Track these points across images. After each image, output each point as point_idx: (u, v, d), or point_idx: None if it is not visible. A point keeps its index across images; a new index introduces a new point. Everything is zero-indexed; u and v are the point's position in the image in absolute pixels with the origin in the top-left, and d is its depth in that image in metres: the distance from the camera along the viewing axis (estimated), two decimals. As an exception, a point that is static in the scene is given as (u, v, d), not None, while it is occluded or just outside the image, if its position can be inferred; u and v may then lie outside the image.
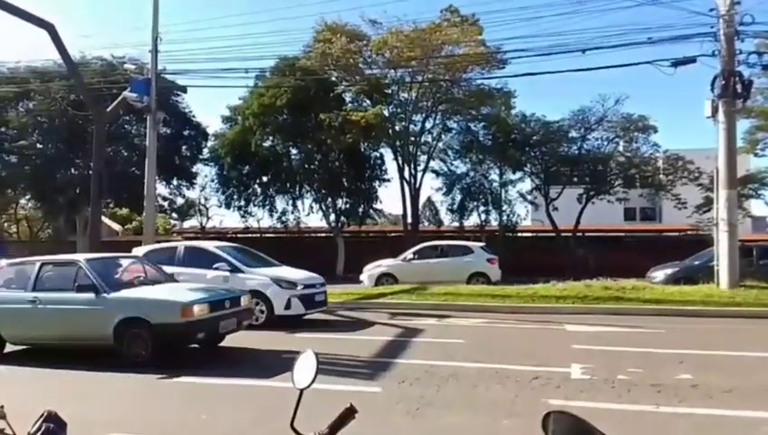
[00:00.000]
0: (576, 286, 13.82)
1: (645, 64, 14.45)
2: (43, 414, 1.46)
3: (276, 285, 10.95)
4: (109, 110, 18.11)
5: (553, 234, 26.59)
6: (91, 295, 7.73)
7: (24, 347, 8.78)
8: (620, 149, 26.13)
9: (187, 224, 39.98)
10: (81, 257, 8.58)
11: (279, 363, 7.20)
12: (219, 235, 33.12)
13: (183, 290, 8.48)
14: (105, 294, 7.73)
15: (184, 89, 20.84)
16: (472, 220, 29.05)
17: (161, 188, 30.49)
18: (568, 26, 51.12)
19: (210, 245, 12.70)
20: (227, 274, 11.01)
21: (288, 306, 10.85)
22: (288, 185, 29.31)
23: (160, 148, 18.16)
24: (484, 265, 17.78)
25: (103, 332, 7.55)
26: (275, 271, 11.83)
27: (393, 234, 33.05)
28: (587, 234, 27.37)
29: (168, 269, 9.87)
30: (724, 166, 13.99)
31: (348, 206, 29.45)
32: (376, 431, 4.75)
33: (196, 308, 7.58)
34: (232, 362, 7.99)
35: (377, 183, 29.67)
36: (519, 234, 29.92)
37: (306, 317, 11.36)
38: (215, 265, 11.17)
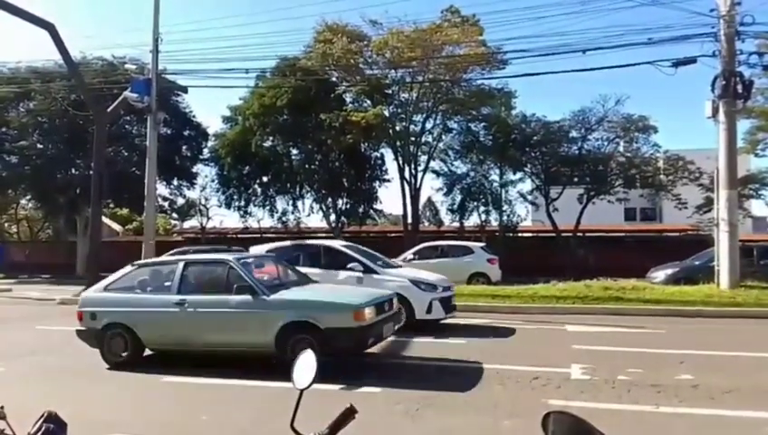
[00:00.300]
0: (576, 287, 13.81)
1: (645, 65, 14.47)
2: (43, 415, 1.46)
3: (416, 287, 10.12)
4: (109, 110, 18.16)
5: (554, 234, 26.59)
6: (247, 298, 7.06)
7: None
8: (621, 149, 26.14)
9: (188, 224, 39.99)
10: (230, 257, 7.90)
11: (280, 363, 7.20)
12: (219, 235, 33.16)
13: (345, 291, 7.97)
14: (264, 296, 7.06)
15: (184, 89, 20.89)
16: (472, 220, 29.06)
17: (162, 189, 30.58)
18: (568, 27, 51.21)
19: (337, 243, 12.01)
20: (361, 274, 10.22)
21: (429, 310, 10.00)
22: (288, 185, 29.34)
23: (161, 148, 18.21)
24: (484, 266, 17.78)
25: (264, 338, 6.91)
26: (409, 272, 11.19)
27: (393, 234, 33.05)
28: (587, 234, 27.38)
29: None
30: (725, 166, 13.99)
31: (348, 206, 29.48)
32: (376, 432, 4.76)
33: (366, 311, 6.93)
34: (232, 362, 7.97)
35: (377, 183, 29.72)
36: (519, 234, 29.93)
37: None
38: (348, 266, 10.46)
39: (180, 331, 7.43)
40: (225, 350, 7.40)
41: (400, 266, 11.69)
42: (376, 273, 10.40)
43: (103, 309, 7.78)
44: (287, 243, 12.56)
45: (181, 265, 7.75)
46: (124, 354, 7.60)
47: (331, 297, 7.40)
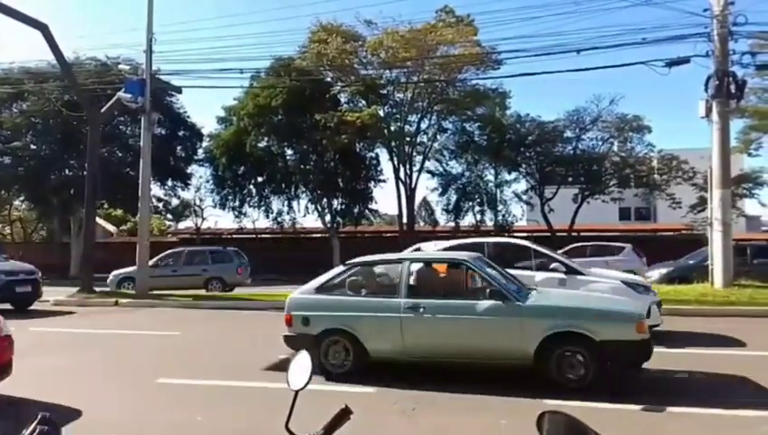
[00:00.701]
0: (572, 286, 13.81)
1: (639, 65, 14.53)
2: (36, 417, 1.45)
3: (633, 290, 9.01)
4: (103, 110, 18.07)
5: (548, 234, 26.68)
6: (498, 304, 6.28)
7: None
8: (615, 149, 26.31)
9: (182, 225, 39.94)
10: (467, 256, 7.15)
11: (278, 365, 7.20)
12: (214, 236, 33.12)
13: (610, 298, 7.29)
14: (518, 302, 6.32)
15: (179, 89, 20.83)
16: (467, 220, 29.18)
17: (156, 189, 30.51)
18: (563, 27, 51.31)
19: (526, 242, 11.13)
20: (563, 276, 9.17)
21: (648, 315, 8.43)
22: (283, 185, 29.35)
23: (155, 148, 18.13)
24: (480, 265, 17.78)
25: (520, 349, 6.17)
26: (612, 273, 10.35)
27: (389, 234, 33.10)
28: (582, 233, 27.47)
29: None
30: (718, 166, 14.05)
31: (343, 206, 29.51)
32: (371, 432, 4.75)
33: (646, 322, 6.18)
34: (229, 364, 7.95)
35: (372, 183, 29.77)
36: (514, 234, 30.02)
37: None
38: (551, 266, 9.48)
39: (415, 339, 6.58)
40: (467, 361, 6.61)
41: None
42: (580, 274, 9.39)
43: (318, 313, 6.91)
44: (465, 241, 11.44)
45: (407, 265, 6.91)
46: (346, 364, 6.75)
47: (604, 305, 6.61)
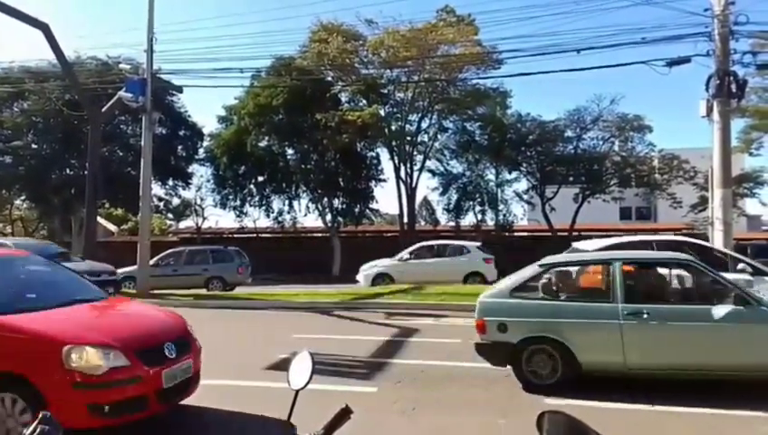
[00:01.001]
0: (573, 286, 13.78)
1: (640, 64, 14.50)
2: (37, 416, 1.46)
3: None
4: (104, 110, 18.08)
5: (549, 233, 26.67)
6: (738, 308, 5.69)
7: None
8: (616, 148, 26.31)
9: (183, 224, 39.97)
10: (683, 256, 6.72)
11: (278, 364, 7.20)
12: (215, 235, 33.13)
13: None
14: (764, 308, 5.73)
15: (179, 89, 20.84)
16: (468, 220, 29.18)
17: (157, 189, 30.50)
18: (563, 26, 51.31)
19: (700, 241, 10.66)
20: (750, 277, 8.35)
21: None
22: (284, 185, 29.36)
23: (156, 148, 18.12)
24: (480, 265, 17.79)
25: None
26: None
27: (389, 234, 33.06)
28: (583, 233, 27.45)
29: None
30: (719, 165, 14.03)
31: (344, 206, 29.52)
32: (371, 432, 4.76)
33: None
34: (229, 363, 7.94)
35: (373, 183, 29.78)
36: (515, 233, 30.02)
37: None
38: (738, 267, 8.97)
39: (640, 349, 5.92)
40: (703, 373, 5.91)
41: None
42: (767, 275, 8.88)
43: (518, 319, 6.28)
44: (629, 238, 10.83)
45: (617, 265, 6.20)
46: (554, 375, 6.13)
47: None
